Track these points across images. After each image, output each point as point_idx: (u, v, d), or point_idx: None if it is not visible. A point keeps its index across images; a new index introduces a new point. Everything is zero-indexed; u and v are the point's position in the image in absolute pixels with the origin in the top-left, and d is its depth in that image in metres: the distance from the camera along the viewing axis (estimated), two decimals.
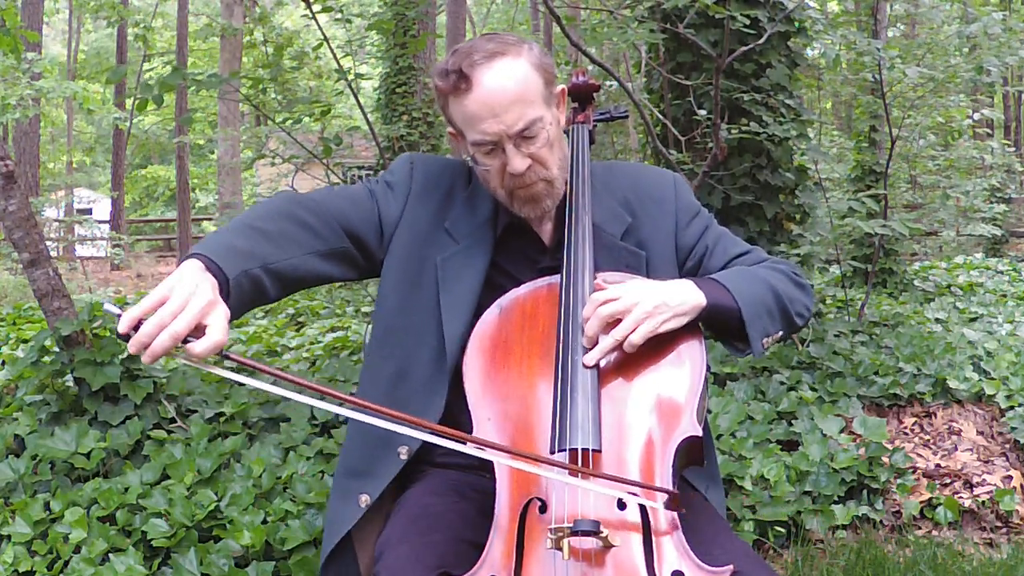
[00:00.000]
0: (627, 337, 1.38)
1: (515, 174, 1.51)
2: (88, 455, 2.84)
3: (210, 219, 24.52)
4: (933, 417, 3.89)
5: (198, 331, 1.20)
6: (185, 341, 1.19)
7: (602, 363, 1.41)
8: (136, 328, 1.19)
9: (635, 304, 1.39)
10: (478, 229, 1.61)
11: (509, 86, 1.46)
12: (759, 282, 1.51)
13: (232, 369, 1.26)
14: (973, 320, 6.34)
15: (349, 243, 1.54)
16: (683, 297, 1.42)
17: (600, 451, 1.32)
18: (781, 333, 1.52)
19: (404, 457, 1.53)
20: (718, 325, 1.48)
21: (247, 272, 1.34)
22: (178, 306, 1.20)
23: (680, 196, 1.68)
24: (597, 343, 1.40)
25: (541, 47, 1.56)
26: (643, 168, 1.79)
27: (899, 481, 3.29)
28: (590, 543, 1.22)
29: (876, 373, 4.04)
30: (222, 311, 1.24)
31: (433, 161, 1.70)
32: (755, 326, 1.45)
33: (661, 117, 4.71)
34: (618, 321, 1.39)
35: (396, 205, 1.61)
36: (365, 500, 1.53)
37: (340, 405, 1.26)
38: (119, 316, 1.20)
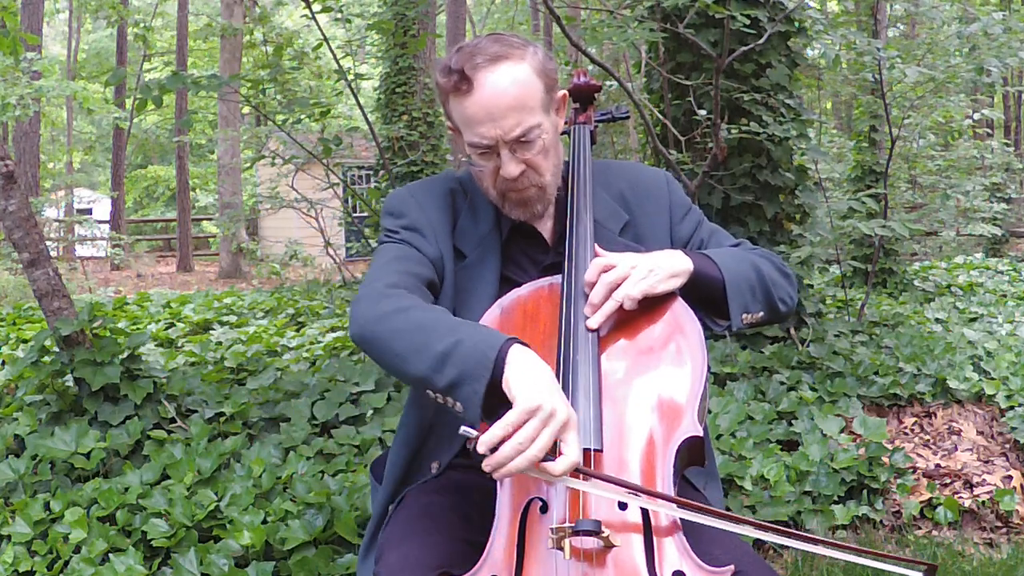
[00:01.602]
0: (627, 295, 1.42)
1: (507, 178, 1.52)
2: (88, 455, 2.84)
3: (210, 219, 24.52)
4: (933, 417, 3.89)
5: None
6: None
7: (603, 363, 1.41)
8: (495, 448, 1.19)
9: (633, 268, 1.44)
10: (484, 239, 1.61)
11: (510, 91, 1.46)
12: (745, 261, 1.56)
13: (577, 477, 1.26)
14: (973, 320, 6.34)
15: (433, 299, 1.55)
16: (674, 262, 1.48)
17: (601, 451, 1.32)
18: (762, 314, 1.55)
19: (435, 472, 1.55)
20: (702, 295, 1.51)
21: None
22: (536, 430, 1.19)
23: (673, 192, 1.71)
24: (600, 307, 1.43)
25: (545, 51, 1.56)
26: (636, 166, 1.81)
27: (899, 481, 3.29)
28: (591, 543, 1.22)
29: (876, 373, 4.04)
30: (574, 425, 1.24)
31: (428, 185, 1.69)
32: (736, 299, 1.50)
33: (661, 117, 4.71)
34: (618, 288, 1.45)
35: (431, 245, 1.59)
36: (391, 507, 1.58)
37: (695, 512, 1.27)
38: (476, 438, 1.19)
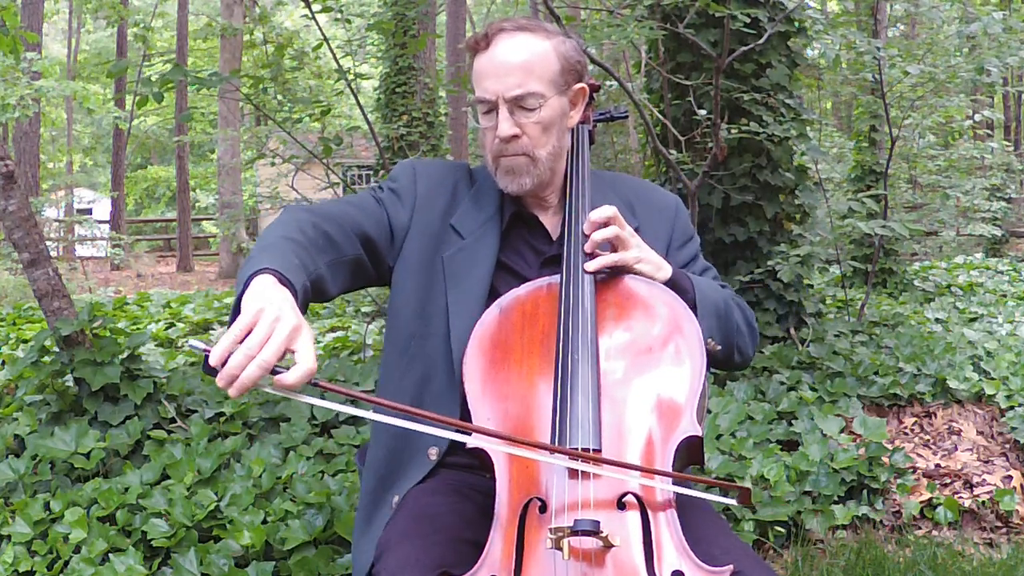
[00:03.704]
0: (623, 259, 1.50)
1: (500, 136, 1.55)
2: (88, 455, 2.84)
3: (210, 219, 24.53)
4: (933, 417, 3.89)
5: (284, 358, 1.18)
6: (274, 371, 1.16)
7: (602, 363, 1.41)
8: (225, 362, 1.15)
9: (630, 237, 1.53)
10: (484, 224, 1.63)
11: (520, 54, 1.54)
12: (719, 293, 1.61)
13: (319, 395, 1.24)
14: (973, 320, 6.34)
15: (363, 252, 1.55)
16: (660, 260, 1.56)
17: (600, 450, 1.32)
18: (720, 349, 1.56)
19: (434, 458, 1.54)
20: None
21: (304, 284, 1.34)
22: (265, 334, 1.16)
23: (679, 217, 1.75)
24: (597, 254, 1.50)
25: (578, 47, 1.62)
26: (650, 184, 1.86)
27: (899, 481, 3.29)
28: (590, 543, 1.22)
29: (876, 373, 4.04)
30: (308, 334, 1.21)
31: (435, 164, 1.73)
32: (702, 318, 1.51)
33: (661, 117, 4.71)
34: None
35: (404, 211, 1.62)
36: (396, 501, 1.53)
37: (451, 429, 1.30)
38: (207, 352, 1.16)
